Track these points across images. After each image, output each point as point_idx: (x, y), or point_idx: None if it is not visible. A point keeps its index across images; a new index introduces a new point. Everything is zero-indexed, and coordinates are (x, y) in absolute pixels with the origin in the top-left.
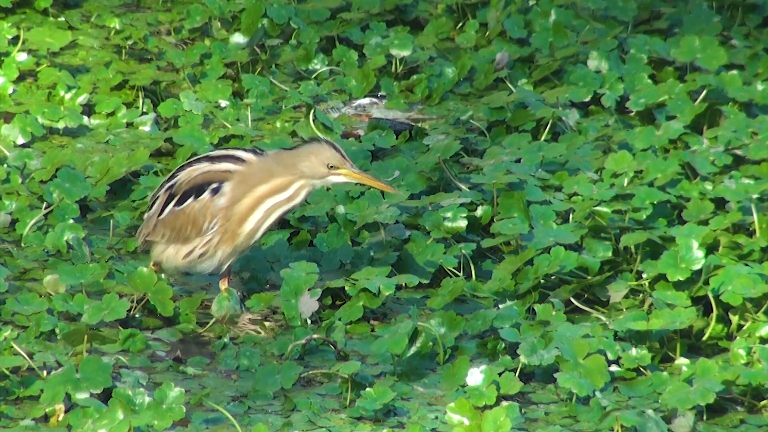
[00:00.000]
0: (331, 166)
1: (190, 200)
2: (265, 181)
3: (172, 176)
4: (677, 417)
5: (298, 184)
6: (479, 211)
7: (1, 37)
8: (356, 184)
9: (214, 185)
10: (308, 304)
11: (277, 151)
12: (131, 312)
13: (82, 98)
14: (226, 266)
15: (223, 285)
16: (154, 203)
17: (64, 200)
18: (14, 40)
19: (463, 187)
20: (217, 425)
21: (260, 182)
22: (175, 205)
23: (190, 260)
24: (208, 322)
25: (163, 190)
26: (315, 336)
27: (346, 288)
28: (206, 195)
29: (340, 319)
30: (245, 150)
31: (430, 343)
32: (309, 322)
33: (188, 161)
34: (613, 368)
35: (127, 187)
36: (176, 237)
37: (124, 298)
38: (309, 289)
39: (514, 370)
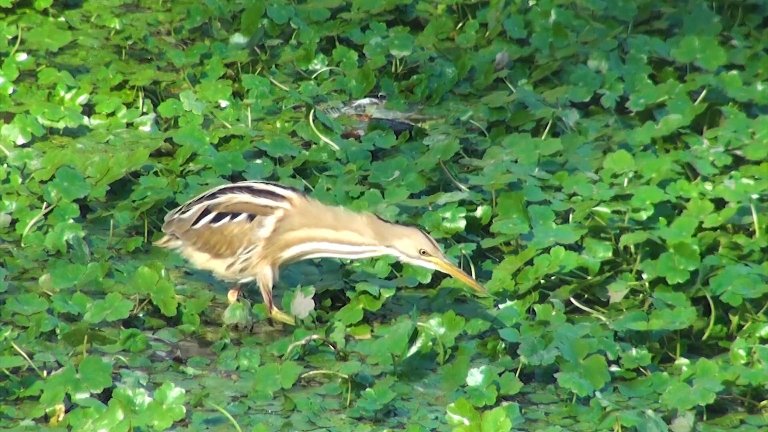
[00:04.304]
0: (423, 252)
1: (225, 220)
2: (332, 227)
3: (213, 195)
4: (677, 417)
5: (375, 248)
6: (479, 211)
7: (1, 37)
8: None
9: (251, 214)
10: (303, 304)
11: (368, 215)
12: (133, 312)
13: (82, 98)
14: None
15: (233, 296)
16: (187, 209)
17: (63, 200)
18: (14, 40)
19: (463, 187)
20: (217, 425)
21: (320, 225)
22: (210, 222)
23: (233, 271)
24: (212, 323)
25: (201, 203)
26: (315, 336)
27: (346, 292)
28: (243, 220)
29: (340, 320)
30: (284, 187)
31: (430, 343)
32: (303, 321)
33: (230, 186)
34: (613, 368)
35: (127, 187)
36: (208, 250)
37: (125, 298)
38: (302, 289)
39: (514, 371)
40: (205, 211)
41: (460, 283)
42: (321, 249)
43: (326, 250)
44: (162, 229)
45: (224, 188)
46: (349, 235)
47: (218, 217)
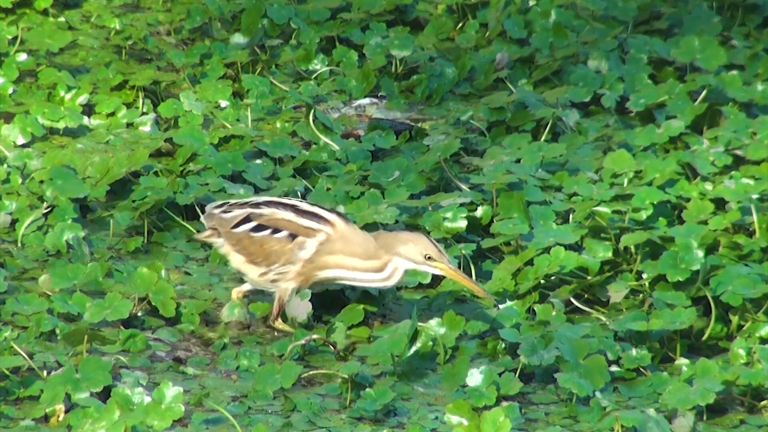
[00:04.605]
0: (429, 257)
1: (266, 233)
2: (360, 257)
3: (258, 205)
4: (677, 417)
5: (393, 264)
6: (479, 212)
7: (1, 37)
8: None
9: (293, 234)
10: (300, 307)
11: (376, 233)
12: (133, 311)
13: (82, 98)
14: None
15: (238, 294)
16: (229, 209)
17: (58, 198)
18: (14, 40)
19: (463, 187)
20: (217, 425)
21: (354, 254)
22: (250, 230)
23: (265, 280)
24: (211, 324)
25: (244, 208)
26: (315, 336)
27: (346, 291)
28: (284, 238)
29: (341, 321)
30: (329, 210)
31: (430, 343)
32: (301, 324)
33: (275, 200)
34: (613, 368)
35: (127, 187)
36: (245, 254)
37: (125, 298)
38: (297, 293)
39: (514, 371)
40: (247, 218)
41: (462, 286)
42: (349, 278)
43: (354, 279)
44: (202, 220)
45: (270, 201)
46: (373, 264)
47: (258, 228)
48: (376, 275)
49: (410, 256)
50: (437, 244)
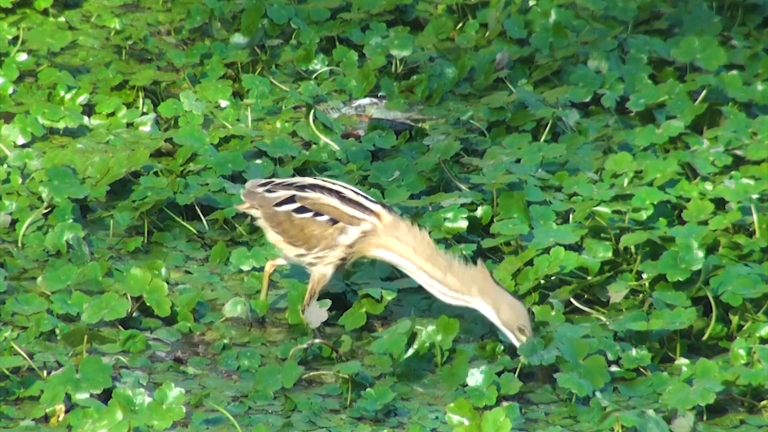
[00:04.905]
0: (521, 330)
1: (308, 215)
2: (415, 251)
3: (303, 187)
4: (677, 417)
5: (475, 301)
6: (479, 212)
7: (1, 37)
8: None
9: (334, 219)
10: (317, 314)
11: (482, 270)
12: (130, 311)
13: (82, 98)
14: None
15: (270, 268)
16: (274, 188)
17: (54, 198)
18: (14, 40)
19: (463, 187)
20: (218, 425)
21: (407, 244)
22: (293, 211)
23: (301, 260)
24: (212, 323)
25: (288, 190)
26: (317, 341)
27: (348, 295)
28: (325, 222)
29: (344, 327)
30: (374, 201)
31: (428, 345)
32: (316, 332)
33: (322, 183)
34: (613, 368)
35: (127, 187)
36: (285, 235)
37: (122, 297)
38: (318, 300)
39: (514, 370)
40: (291, 199)
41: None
42: (400, 264)
43: (405, 267)
44: (242, 197)
45: (315, 184)
46: (449, 279)
47: (301, 210)
48: (446, 290)
49: (505, 319)
50: (530, 318)
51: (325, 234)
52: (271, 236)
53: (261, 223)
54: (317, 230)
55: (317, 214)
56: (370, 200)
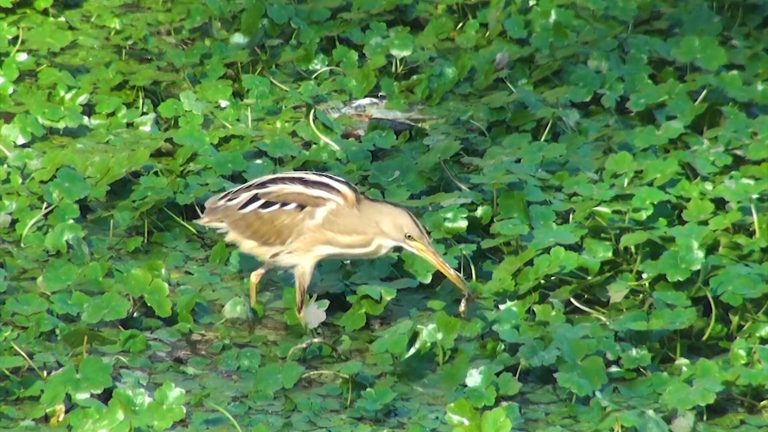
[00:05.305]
0: (409, 236)
1: (274, 207)
2: (349, 234)
3: (263, 184)
4: (677, 417)
5: (378, 242)
6: (479, 212)
7: (1, 37)
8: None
9: (303, 205)
10: (315, 314)
11: (363, 200)
12: (131, 312)
13: (82, 98)
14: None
15: (256, 278)
16: (234, 196)
17: (63, 200)
18: (14, 40)
19: (463, 187)
20: (218, 426)
21: (345, 231)
22: (260, 207)
23: (278, 261)
24: (212, 324)
25: (250, 189)
26: (316, 340)
27: (347, 295)
28: (293, 210)
29: (344, 327)
30: (338, 180)
31: (429, 345)
32: (312, 332)
33: (280, 175)
34: (613, 368)
35: (127, 187)
36: (257, 238)
37: (123, 297)
38: (316, 300)
39: (513, 370)
40: (254, 198)
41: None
42: (352, 254)
43: (358, 254)
44: (204, 215)
45: (274, 178)
46: (358, 239)
47: (267, 205)
48: (362, 249)
49: (390, 233)
50: (418, 221)
51: (295, 221)
52: (246, 245)
53: (231, 236)
54: (287, 219)
55: (284, 204)
56: (336, 179)
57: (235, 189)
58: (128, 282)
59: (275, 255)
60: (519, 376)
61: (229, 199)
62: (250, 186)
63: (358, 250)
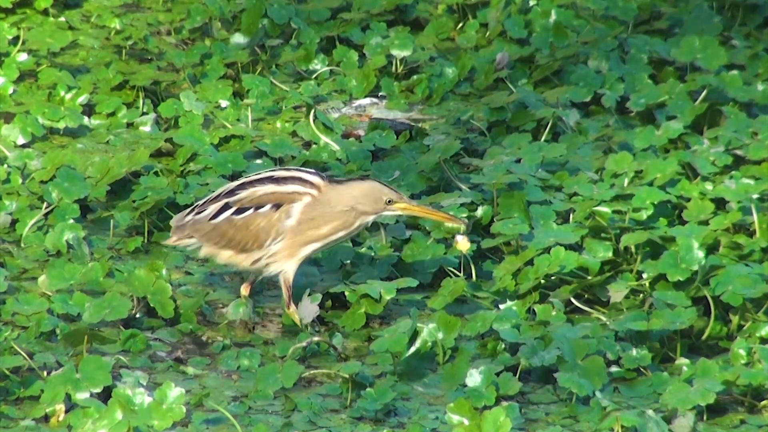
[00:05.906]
0: (389, 201)
1: (249, 212)
2: (328, 223)
3: (232, 192)
4: (677, 417)
5: (359, 221)
6: (479, 212)
7: (1, 37)
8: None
9: (278, 204)
10: (309, 309)
11: (333, 186)
12: (132, 312)
13: (82, 98)
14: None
15: (246, 291)
16: (201, 209)
17: (63, 200)
18: (14, 40)
19: (463, 187)
20: (218, 425)
21: (324, 222)
22: (233, 214)
23: (258, 267)
24: (213, 324)
25: (219, 200)
26: (316, 339)
27: (347, 294)
28: (269, 211)
29: (343, 327)
30: (309, 172)
31: (429, 344)
32: (309, 327)
33: (249, 179)
34: (613, 368)
35: (127, 187)
36: (233, 246)
37: (124, 297)
38: (309, 294)
39: (514, 370)
40: (225, 207)
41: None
42: (332, 241)
43: (337, 239)
44: (171, 234)
45: (243, 183)
46: (337, 224)
47: (240, 211)
48: (345, 231)
49: (369, 209)
50: (389, 184)
51: (272, 222)
52: (222, 255)
53: (205, 250)
54: (263, 221)
55: (258, 207)
56: (307, 172)
57: (201, 202)
58: (131, 282)
59: (256, 261)
60: (519, 375)
61: (197, 213)
62: (218, 196)
63: (341, 233)
